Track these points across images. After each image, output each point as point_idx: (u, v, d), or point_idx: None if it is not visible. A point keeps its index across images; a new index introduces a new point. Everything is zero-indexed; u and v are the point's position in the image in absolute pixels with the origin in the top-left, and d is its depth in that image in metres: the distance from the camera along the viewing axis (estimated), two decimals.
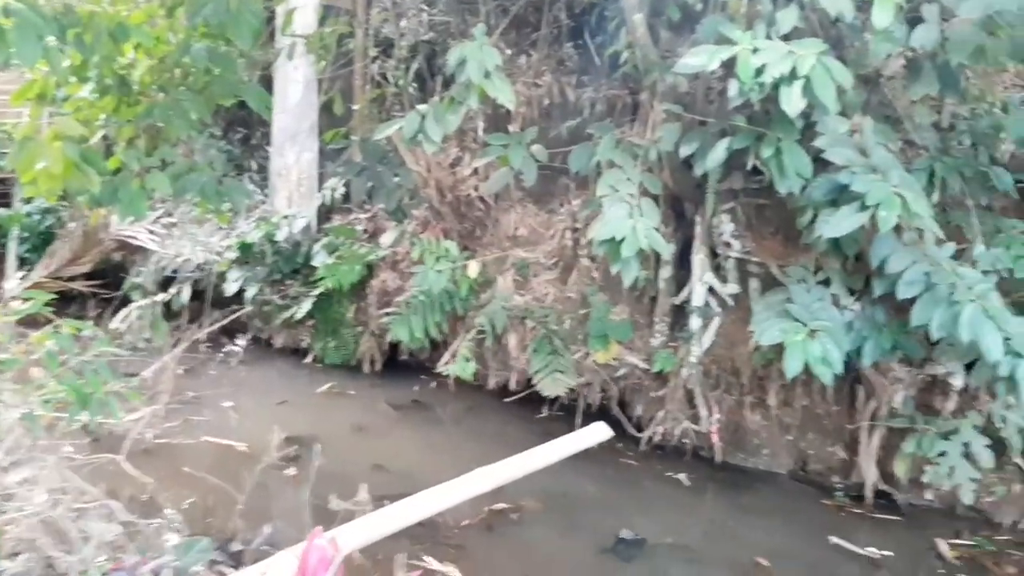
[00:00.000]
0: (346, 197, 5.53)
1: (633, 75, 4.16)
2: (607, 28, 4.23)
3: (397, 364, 5.13)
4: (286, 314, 5.22)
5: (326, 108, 5.22)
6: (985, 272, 3.08)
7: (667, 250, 3.72)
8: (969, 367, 3.24)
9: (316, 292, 5.04)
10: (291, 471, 3.36)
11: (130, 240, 5.76)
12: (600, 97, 4.71)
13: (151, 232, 5.72)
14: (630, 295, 4.28)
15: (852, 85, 2.95)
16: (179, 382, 3.87)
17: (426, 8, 5.45)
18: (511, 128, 4.68)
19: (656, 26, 3.71)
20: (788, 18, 3.00)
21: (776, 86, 2.85)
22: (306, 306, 5.10)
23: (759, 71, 2.85)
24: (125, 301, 5.31)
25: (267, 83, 5.51)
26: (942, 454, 3.25)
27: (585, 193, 4.45)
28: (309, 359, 5.27)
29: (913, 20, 3.02)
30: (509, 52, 4.81)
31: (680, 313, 4.13)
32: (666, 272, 4.14)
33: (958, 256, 3.14)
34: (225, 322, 4.75)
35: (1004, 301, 2.95)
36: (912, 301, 2.98)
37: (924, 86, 3.02)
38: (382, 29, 5.47)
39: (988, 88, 3.52)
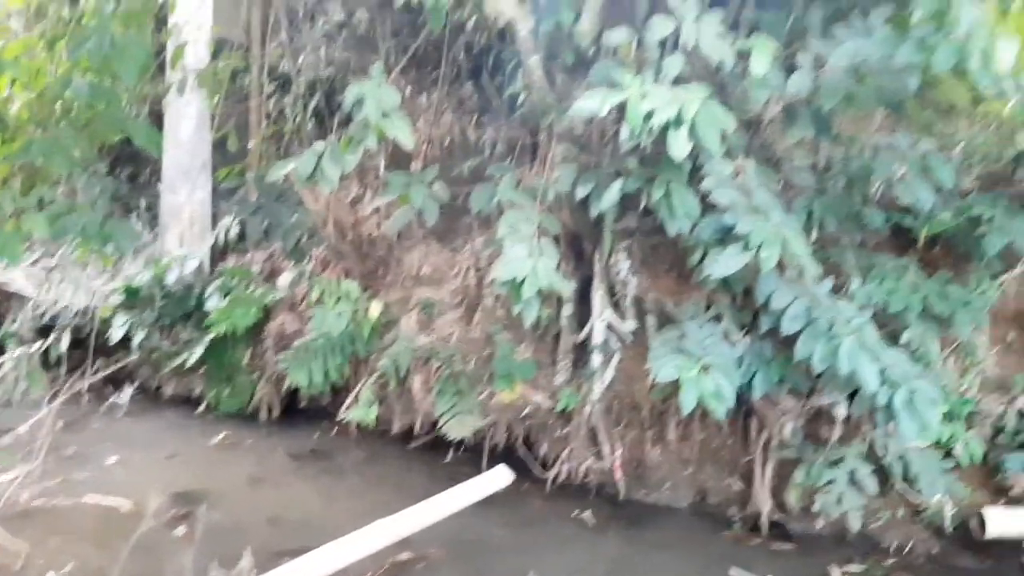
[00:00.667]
0: (241, 237, 5.34)
1: (531, 116, 4.23)
2: (505, 69, 4.31)
3: (296, 411, 4.95)
4: (176, 361, 4.95)
5: (220, 145, 5.07)
6: (861, 306, 3.26)
7: (568, 289, 3.76)
8: (851, 397, 3.39)
9: (209, 337, 4.80)
10: (180, 531, 3.16)
11: (3, 286, 5.37)
12: (500, 137, 4.77)
13: (28, 277, 5.35)
14: (534, 333, 4.29)
15: (735, 129, 3.10)
16: (58, 437, 3.59)
17: (325, 45, 5.40)
18: (413, 165, 4.67)
19: (552, 69, 3.79)
20: (674, 64, 3.12)
21: (664, 130, 2.95)
22: (198, 352, 4.86)
23: (648, 115, 2.94)
24: None
25: (158, 118, 5.32)
26: (830, 482, 3.37)
27: (488, 231, 4.46)
28: (201, 408, 5.00)
29: (790, 67, 3.22)
30: (409, 90, 4.81)
31: (583, 350, 4.16)
32: (568, 310, 4.17)
33: (836, 291, 3.30)
34: (109, 371, 4.46)
35: (879, 333, 3.12)
36: (796, 335, 3.12)
37: (800, 130, 3.20)
38: (279, 65, 5.38)
39: (859, 131, 3.76)
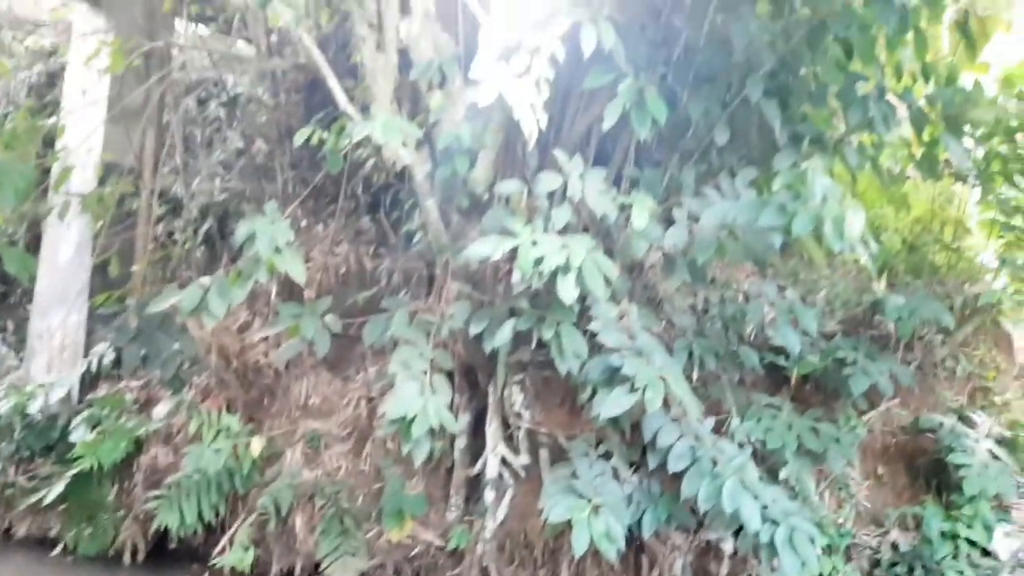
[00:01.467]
0: (117, 364, 5.05)
1: (427, 250, 4.32)
2: (403, 206, 4.43)
3: (165, 552, 4.55)
4: (33, 498, 4.50)
5: (101, 269, 4.87)
6: (741, 444, 3.41)
7: (458, 428, 3.75)
8: (737, 532, 3.48)
9: (72, 472, 4.42)
10: None
11: None
12: (397, 268, 4.82)
13: None
14: (425, 467, 4.19)
15: (618, 274, 3.28)
16: None
17: (221, 171, 5.39)
18: (306, 293, 4.63)
19: (448, 210, 3.92)
20: (562, 216, 3.31)
21: (554, 274, 3.09)
22: (58, 488, 4.44)
23: (538, 261, 3.08)
24: None
25: (37, 238, 5.10)
26: None
27: (381, 360, 4.42)
28: (58, 551, 4.53)
29: (668, 219, 3.48)
30: (307, 220, 4.83)
31: (476, 485, 4.10)
32: (461, 443, 4.13)
33: (718, 429, 3.46)
34: None
35: (759, 470, 3.27)
36: (682, 473, 3.21)
37: (677, 278, 3.43)
38: (171, 188, 5.31)
39: (733, 277, 4.06)
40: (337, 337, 4.07)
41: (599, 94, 3.60)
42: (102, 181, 4.71)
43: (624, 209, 3.36)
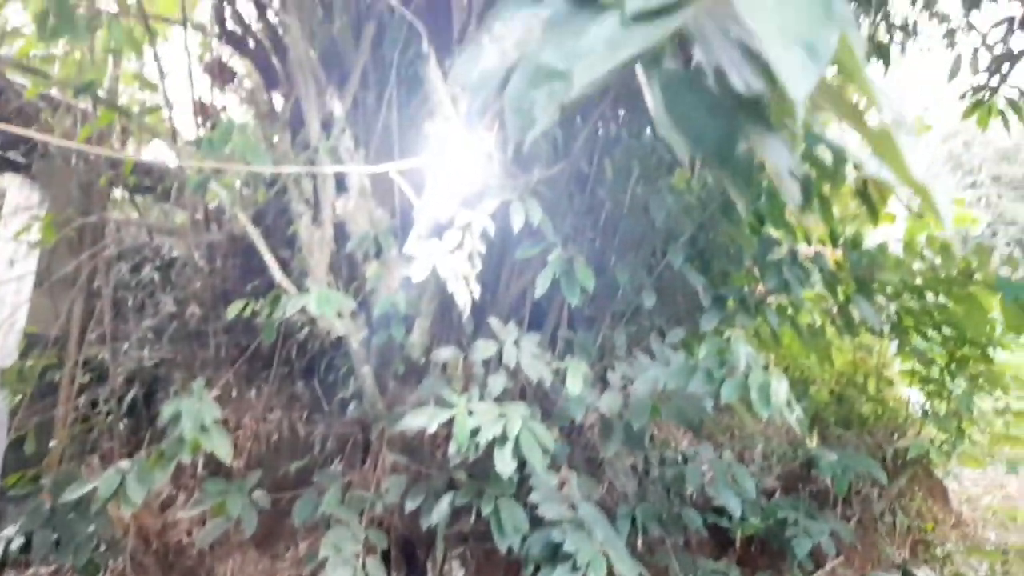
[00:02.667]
0: (26, 547, 4.65)
1: (363, 417, 4.22)
2: (338, 372, 4.37)
3: None
4: None
5: (17, 445, 4.59)
6: None
7: None
8: None
9: None
10: None
11: None
12: (331, 434, 4.68)
13: None
14: None
15: (556, 440, 3.26)
16: None
17: (151, 337, 5.27)
18: (236, 464, 4.43)
19: (384, 376, 3.89)
20: (498, 382, 3.32)
21: (491, 445, 3.05)
22: None
23: (475, 432, 3.04)
24: None
25: None
26: None
27: (313, 536, 4.19)
28: None
29: (605, 380, 3.53)
30: (237, 389, 4.71)
31: None
32: None
33: None
34: None
35: None
36: None
37: (615, 443, 3.42)
38: (97, 356, 5.14)
39: (672, 435, 4.07)
40: (267, 513, 3.88)
41: (531, 260, 3.74)
42: (24, 354, 4.55)
43: (559, 373, 3.39)
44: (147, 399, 5.13)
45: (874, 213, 3.88)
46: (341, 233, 3.86)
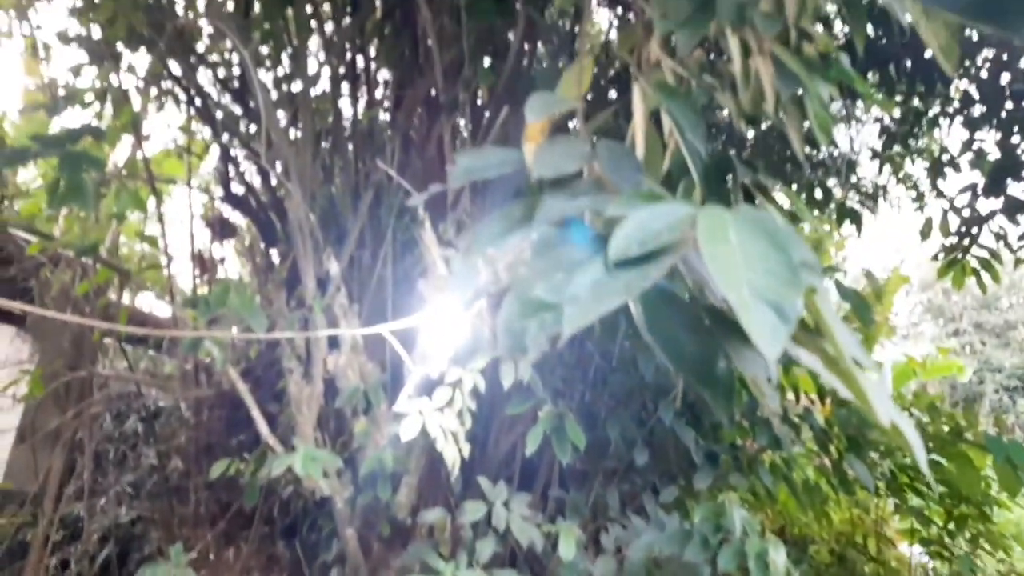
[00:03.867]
0: None
1: None
2: (321, 533, 4.22)
3: None
4: None
5: None
6: None
7: None
8: None
9: None
10: None
11: None
12: None
13: None
14: None
15: None
16: None
17: (130, 492, 5.11)
18: None
19: (368, 537, 3.75)
20: (487, 547, 3.21)
21: None
22: None
23: None
24: None
25: None
26: None
27: None
28: None
29: (597, 540, 3.42)
30: (215, 551, 4.52)
31: None
32: None
33: None
34: None
35: None
36: None
37: None
38: (73, 511, 4.96)
39: None
40: None
41: (521, 416, 3.72)
42: None
43: (551, 536, 3.29)
44: (121, 559, 4.90)
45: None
46: (330, 388, 3.86)
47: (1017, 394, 16.30)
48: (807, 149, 4.43)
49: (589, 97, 3.91)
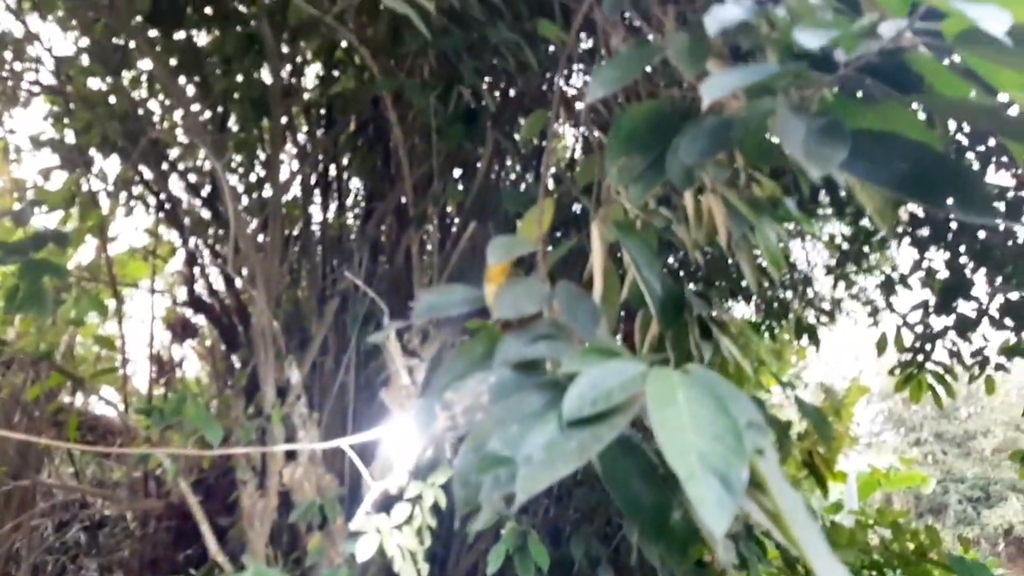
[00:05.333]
0: None
1: None
2: None
3: None
4: None
5: None
6: None
7: None
8: None
9: None
10: None
11: None
12: None
13: None
14: None
15: None
16: None
17: None
18: None
19: None
20: None
21: None
22: None
23: None
24: None
25: None
26: None
27: None
28: None
29: None
30: None
31: None
32: None
33: None
34: None
35: None
36: None
37: None
38: None
39: None
40: None
41: (483, 533, 3.62)
42: None
43: None
44: None
45: (823, 485, 3.93)
46: (285, 500, 3.73)
47: (981, 505, 16.33)
48: (761, 280, 4.58)
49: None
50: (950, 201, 0.85)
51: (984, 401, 17.02)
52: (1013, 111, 0.95)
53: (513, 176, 4.43)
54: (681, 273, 4.33)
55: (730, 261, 4.60)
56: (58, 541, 5.17)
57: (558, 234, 3.99)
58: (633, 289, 1.69)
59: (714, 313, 1.58)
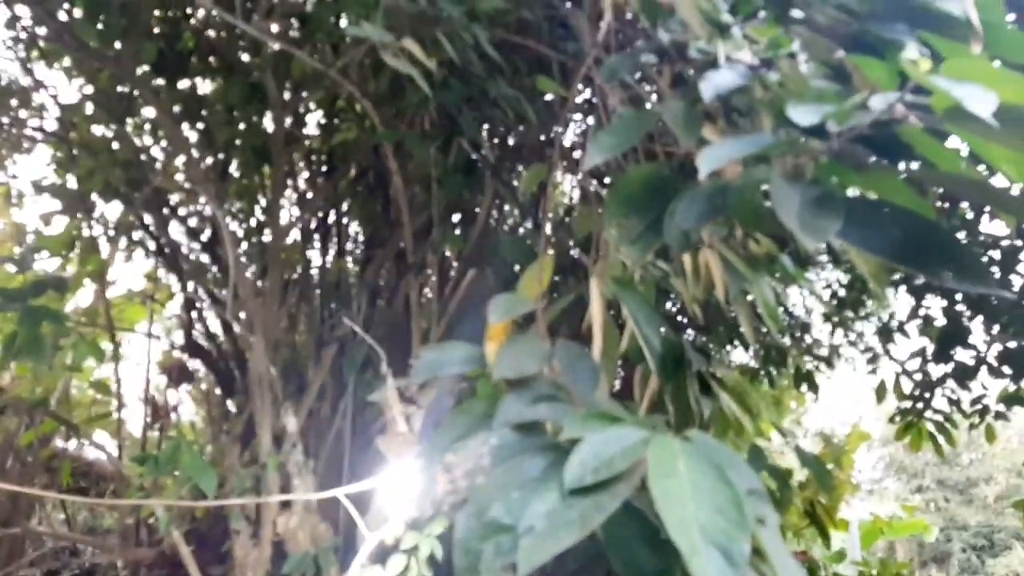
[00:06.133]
0: None
1: None
2: None
3: None
4: None
5: None
6: None
7: None
8: None
9: None
10: None
11: None
12: None
13: None
14: None
15: None
16: None
17: None
18: None
19: None
20: None
21: None
22: None
23: None
24: None
25: None
26: None
27: None
28: None
29: None
30: None
31: None
32: None
33: None
34: None
35: None
36: None
37: None
38: None
39: None
40: None
41: None
42: None
43: None
44: None
45: (825, 535, 3.89)
46: (279, 550, 3.67)
47: (985, 553, 16.08)
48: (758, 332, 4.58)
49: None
50: (944, 270, 0.87)
51: (986, 447, 16.89)
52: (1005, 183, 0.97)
53: (511, 222, 4.47)
54: (679, 318, 4.34)
55: (728, 307, 4.61)
56: None
57: (556, 278, 4.02)
58: (632, 342, 1.70)
59: (712, 368, 1.59)
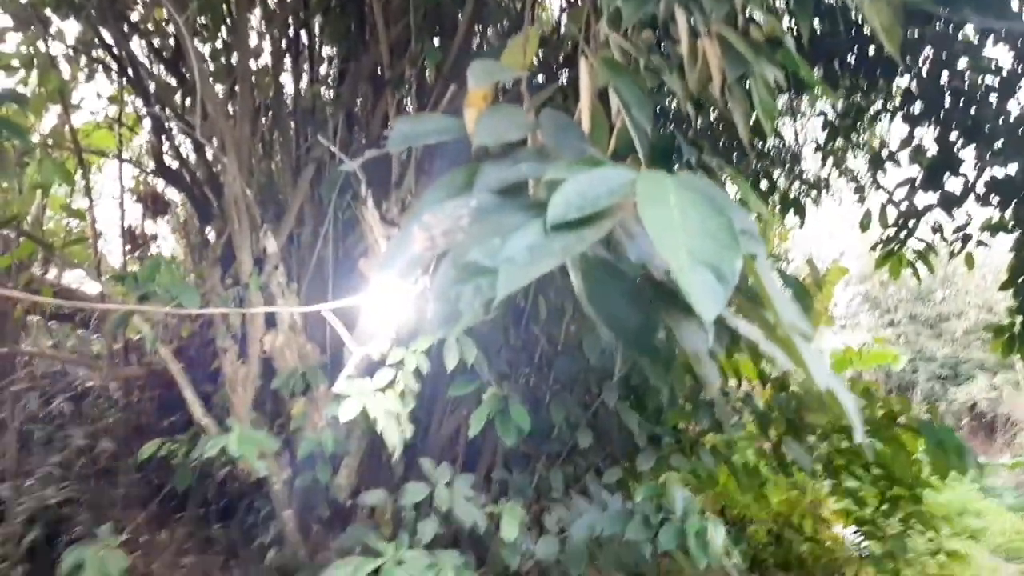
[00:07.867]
0: None
1: (284, 566, 3.96)
2: (258, 514, 4.11)
3: None
4: None
5: None
6: None
7: None
8: None
9: None
10: None
11: None
12: None
13: None
14: None
15: None
16: None
17: (58, 474, 4.90)
18: None
19: (307, 519, 3.68)
20: (429, 528, 3.17)
21: None
22: None
23: None
24: None
25: None
26: None
27: None
28: None
29: (541, 524, 3.41)
30: (147, 533, 4.38)
31: None
32: None
33: None
34: None
35: None
36: None
37: None
38: None
39: None
40: None
41: (466, 398, 3.68)
42: None
43: (494, 517, 3.27)
44: (49, 541, 4.69)
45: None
46: (268, 368, 3.75)
47: (948, 382, 16.97)
48: (753, 139, 4.48)
49: (538, 79, 3.87)
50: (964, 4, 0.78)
51: (959, 284, 17.36)
52: None
53: (495, 31, 4.22)
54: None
55: (721, 137, 4.48)
56: (43, 411, 5.23)
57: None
58: (621, 139, 1.61)
59: (705, 159, 1.52)
